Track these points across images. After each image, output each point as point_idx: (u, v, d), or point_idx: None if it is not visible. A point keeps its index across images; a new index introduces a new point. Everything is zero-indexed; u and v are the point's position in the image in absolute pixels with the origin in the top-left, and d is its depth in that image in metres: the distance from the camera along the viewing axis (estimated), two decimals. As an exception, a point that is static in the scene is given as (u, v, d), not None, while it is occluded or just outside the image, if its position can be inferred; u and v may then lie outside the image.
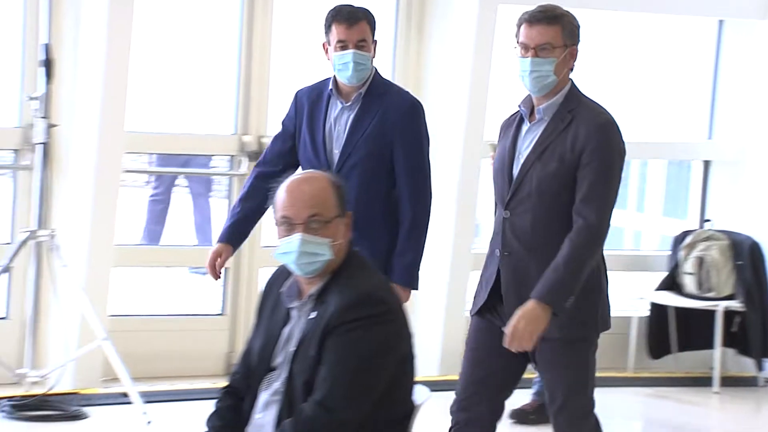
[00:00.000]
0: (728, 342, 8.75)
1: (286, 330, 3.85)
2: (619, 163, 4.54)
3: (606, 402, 7.61)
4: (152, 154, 8.97)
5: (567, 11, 4.52)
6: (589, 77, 9.84)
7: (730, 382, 8.70)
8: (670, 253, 9.10)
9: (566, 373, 4.57)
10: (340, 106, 5.23)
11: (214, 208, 9.78)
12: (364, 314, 3.74)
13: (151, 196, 9.84)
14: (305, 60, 7.69)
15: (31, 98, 6.46)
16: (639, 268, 9.52)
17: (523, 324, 4.34)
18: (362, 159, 5.22)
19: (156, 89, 8.30)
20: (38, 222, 6.43)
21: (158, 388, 6.65)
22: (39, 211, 6.44)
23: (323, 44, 5.28)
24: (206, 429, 3.99)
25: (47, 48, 6.43)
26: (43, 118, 6.42)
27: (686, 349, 8.95)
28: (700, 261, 8.73)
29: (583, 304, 4.41)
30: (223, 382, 4.23)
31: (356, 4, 5.56)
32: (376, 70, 5.32)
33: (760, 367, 8.72)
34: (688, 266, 8.80)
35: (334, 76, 5.25)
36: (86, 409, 6.45)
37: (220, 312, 7.71)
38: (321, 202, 3.83)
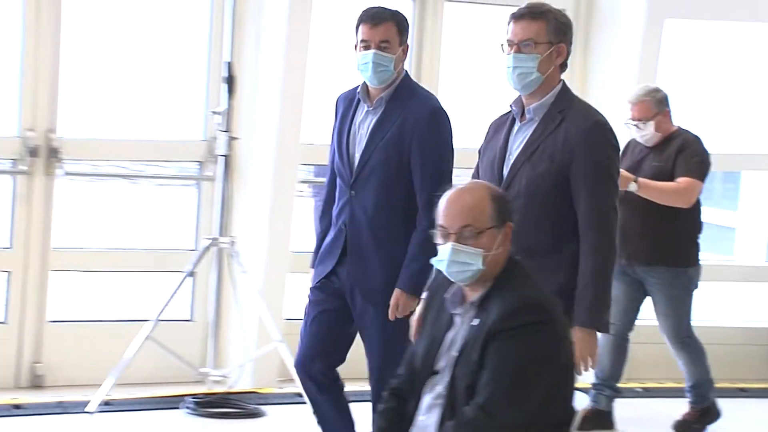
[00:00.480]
0: None
1: (450, 335, 3.86)
2: (613, 162, 4.37)
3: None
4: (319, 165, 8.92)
5: (555, 9, 4.30)
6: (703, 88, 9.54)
7: None
8: None
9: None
10: (365, 109, 4.97)
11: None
12: (524, 321, 3.71)
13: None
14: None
15: (215, 113, 6.59)
16: None
17: (579, 352, 4.14)
18: (381, 164, 4.95)
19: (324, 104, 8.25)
20: (220, 230, 6.54)
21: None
22: (220, 220, 6.55)
23: (354, 45, 4.98)
24: (372, 430, 4.01)
25: (230, 66, 6.55)
26: (224, 131, 6.51)
27: None
28: None
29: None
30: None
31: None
32: (406, 73, 5.05)
33: None
34: None
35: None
36: (263, 408, 6.50)
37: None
38: (475, 213, 3.81)
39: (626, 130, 6.27)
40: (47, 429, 6.06)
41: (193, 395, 6.46)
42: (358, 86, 5.01)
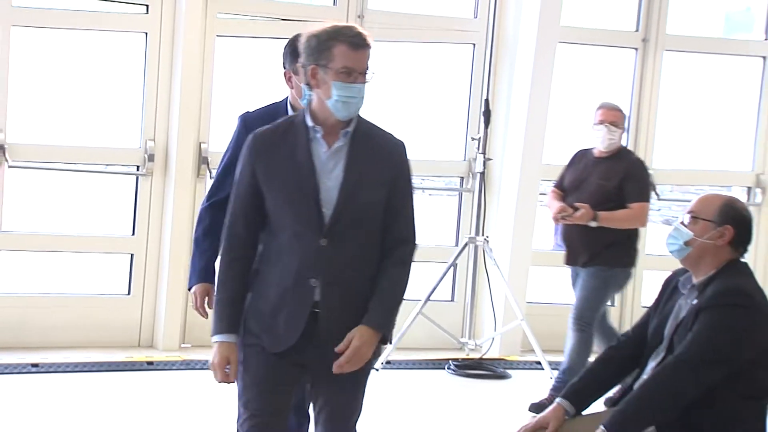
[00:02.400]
0: None
1: (674, 311, 3.76)
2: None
3: None
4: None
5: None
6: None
7: None
8: None
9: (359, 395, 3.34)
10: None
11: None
12: (731, 301, 3.60)
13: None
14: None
15: (473, 139, 6.81)
16: None
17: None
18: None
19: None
20: (476, 230, 6.72)
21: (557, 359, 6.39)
22: (476, 223, 6.76)
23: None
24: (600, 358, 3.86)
25: (487, 102, 6.74)
26: (481, 153, 6.70)
27: None
28: None
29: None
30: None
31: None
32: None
33: None
34: None
35: None
36: (509, 371, 6.62)
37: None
38: (703, 206, 3.73)
39: (594, 133, 5.76)
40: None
41: (454, 359, 6.61)
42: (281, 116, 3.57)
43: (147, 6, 6.63)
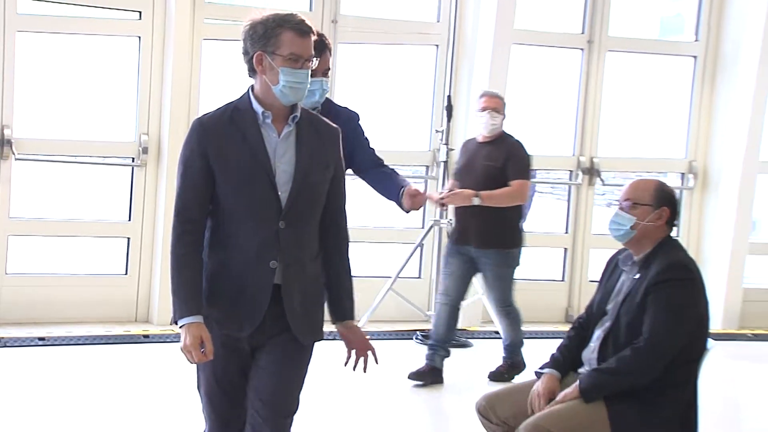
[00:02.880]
0: None
1: (617, 287, 3.86)
2: None
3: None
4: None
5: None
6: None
7: None
8: None
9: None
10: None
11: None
12: (678, 276, 3.72)
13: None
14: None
15: (437, 131, 7.08)
16: None
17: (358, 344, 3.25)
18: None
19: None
20: (440, 214, 6.87)
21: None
22: (439, 207, 6.72)
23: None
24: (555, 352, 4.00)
25: (449, 98, 7.00)
26: (444, 144, 6.96)
27: None
28: None
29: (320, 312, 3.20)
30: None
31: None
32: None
33: None
34: None
35: None
36: (470, 341, 6.83)
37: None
38: (639, 192, 3.83)
39: (477, 120, 5.85)
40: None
41: (421, 330, 6.78)
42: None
43: (140, 12, 6.80)
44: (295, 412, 3.17)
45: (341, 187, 3.20)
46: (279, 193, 3.03)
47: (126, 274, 6.94)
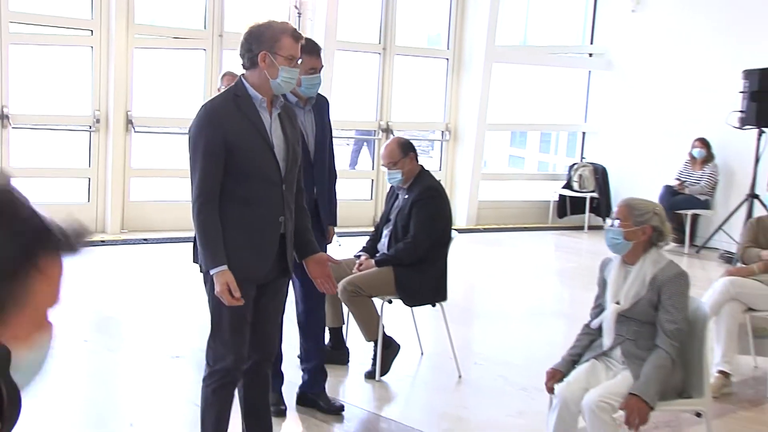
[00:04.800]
0: (591, 210, 9.58)
1: (396, 203, 4.11)
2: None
3: (538, 238, 8.98)
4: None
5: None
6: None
7: (591, 227, 9.42)
8: (567, 171, 9.83)
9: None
10: (303, 110, 3.69)
11: None
12: (427, 195, 4.00)
13: None
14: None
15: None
16: (556, 179, 10.25)
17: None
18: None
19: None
20: None
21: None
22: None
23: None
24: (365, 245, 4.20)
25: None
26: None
27: (574, 214, 9.68)
28: (580, 176, 9.60)
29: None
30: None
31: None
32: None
33: (604, 220, 9.06)
34: (576, 177, 9.60)
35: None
36: None
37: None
38: (391, 154, 4.02)
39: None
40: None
41: None
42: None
43: (92, 30, 7.42)
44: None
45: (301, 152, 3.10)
46: (279, 162, 2.94)
47: (88, 202, 7.50)
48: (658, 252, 3.06)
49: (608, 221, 3.18)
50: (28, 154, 8.17)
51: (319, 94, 3.70)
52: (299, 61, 2.93)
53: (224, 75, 5.34)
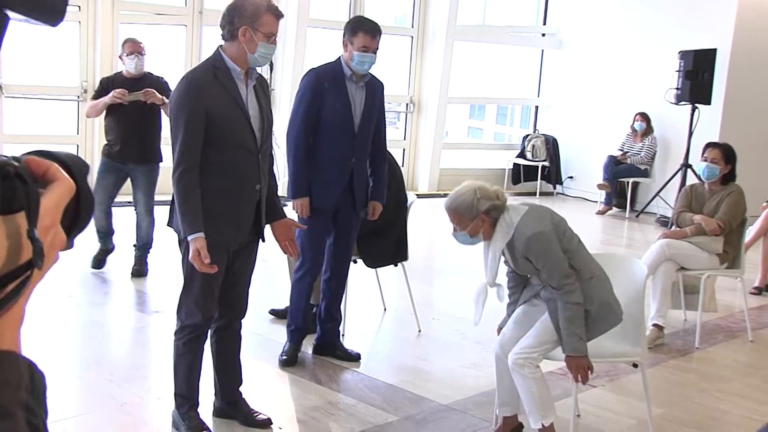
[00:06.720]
0: (543, 178, 9.68)
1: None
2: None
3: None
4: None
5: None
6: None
7: (543, 194, 9.54)
8: (521, 142, 9.94)
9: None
10: (355, 85, 3.63)
11: None
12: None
13: None
14: None
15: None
16: (511, 149, 10.28)
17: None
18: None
19: None
20: None
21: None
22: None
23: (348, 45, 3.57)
24: None
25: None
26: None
27: (527, 181, 9.76)
28: (533, 146, 9.72)
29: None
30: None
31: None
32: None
33: (554, 187, 9.62)
34: (529, 147, 9.75)
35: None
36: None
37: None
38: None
39: None
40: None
41: None
42: (321, 68, 3.56)
43: (79, 6, 7.26)
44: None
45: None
46: (255, 132, 2.84)
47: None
48: (506, 220, 2.91)
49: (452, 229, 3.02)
50: (21, 122, 8.06)
51: (375, 77, 3.66)
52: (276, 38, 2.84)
53: (125, 42, 5.06)
